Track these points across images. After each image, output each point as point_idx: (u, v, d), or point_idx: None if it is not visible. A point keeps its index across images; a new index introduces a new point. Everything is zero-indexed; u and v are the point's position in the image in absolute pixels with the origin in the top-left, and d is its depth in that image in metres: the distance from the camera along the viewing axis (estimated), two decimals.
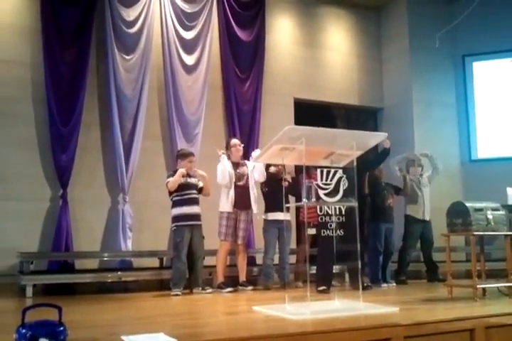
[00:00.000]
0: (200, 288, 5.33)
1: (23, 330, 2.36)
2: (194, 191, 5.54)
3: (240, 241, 5.70)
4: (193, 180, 5.59)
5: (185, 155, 5.66)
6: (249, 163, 5.87)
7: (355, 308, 3.53)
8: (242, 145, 5.96)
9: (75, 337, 2.47)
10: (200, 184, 5.64)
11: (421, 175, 6.78)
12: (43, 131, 6.50)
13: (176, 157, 5.82)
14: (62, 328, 2.42)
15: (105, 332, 3.02)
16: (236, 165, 5.83)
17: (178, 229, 5.37)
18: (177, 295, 5.09)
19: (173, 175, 5.51)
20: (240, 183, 5.75)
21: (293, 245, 6.23)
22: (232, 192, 5.68)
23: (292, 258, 6.17)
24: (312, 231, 5.57)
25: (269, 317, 3.43)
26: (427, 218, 6.57)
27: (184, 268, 5.30)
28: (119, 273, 5.73)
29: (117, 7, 7.00)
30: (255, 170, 5.77)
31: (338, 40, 9.03)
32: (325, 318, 3.24)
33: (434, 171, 6.80)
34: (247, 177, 5.79)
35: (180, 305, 4.57)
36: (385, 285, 5.97)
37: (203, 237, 5.51)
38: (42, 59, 6.51)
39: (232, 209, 5.67)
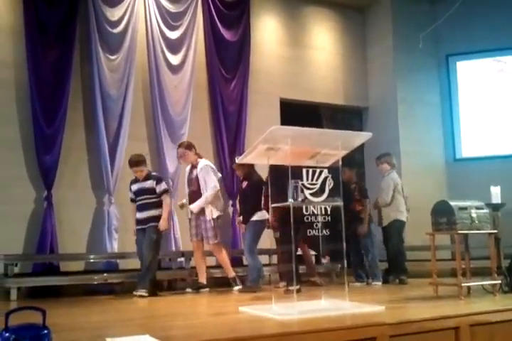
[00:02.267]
0: (145, 291, 5.17)
1: (7, 334, 2.33)
2: (146, 196, 5.49)
3: (210, 242, 5.61)
4: (146, 184, 5.51)
5: (130, 166, 5.58)
6: (200, 165, 5.71)
7: (341, 308, 3.54)
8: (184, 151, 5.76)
9: (59, 340, 2.44)
10: (162, 187, 5.50)
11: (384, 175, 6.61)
12: (27, 131, 6.42)
13: None
14: (46, 331, 2.39)
15: (90, 334, 2.99)
16: (189, 171, 5.84)
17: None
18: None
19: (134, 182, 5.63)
20: (191, 188, 5.74)
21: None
22: (186, 198, 5.81)
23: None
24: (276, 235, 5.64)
25: (255, 318, 3.42)
26: (384, 223, 6.46)
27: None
28: (104, 274, 5.70)
29: (101, 7, 6.94)
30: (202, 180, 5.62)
31: (323, 39, 9.06)
32: (311, 318, 3.24)
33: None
34: (194, 182, 5.68)
35: (167, 307, 4.55)
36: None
37: (153, 237, 5.37)
38: (25, 59, 6.43)
39: (190, 215, 5.75)
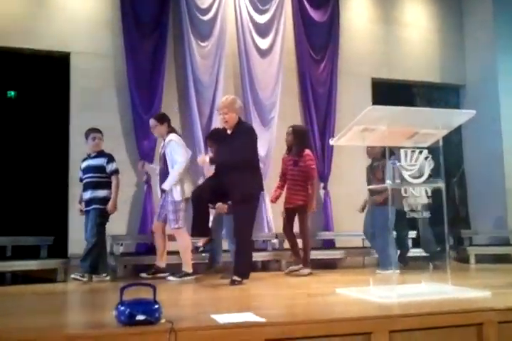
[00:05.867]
0: (79, 274, 4.83)
1: (122, 308, 2.50)
2: (93, 174, 5.04)
3: (171, 226, 5.08)
4: (97, 161, 5.08)
5: (87, 134, 5.17)
6: (166, 140, 5.19)
7: (443, 292, 3.44)
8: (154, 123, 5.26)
9: (167, 314, 2.57)
10: (114, 166, 5.07)
11: None
12: (127, 119, 6.77)
13: None
14: (157, 306, 2.54)
15: (196, 310, 3.13)
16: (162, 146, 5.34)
17: None
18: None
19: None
20: (160, 165, 5.28)
21: None
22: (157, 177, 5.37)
23: None
24: None
25: (354, 300, 3.41)
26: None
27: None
28: (203, 255, 5.86)
29: None
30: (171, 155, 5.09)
31: (416, 14, 8.68)
32: (412, 302, 3.17)
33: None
34: (162, 159, 5.22)
35: (263, 287, 4.62)
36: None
37: (96, 221, 4.97)
38: (123, 49, 6.76)
39: (159, 195, 5.30)
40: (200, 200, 4.56)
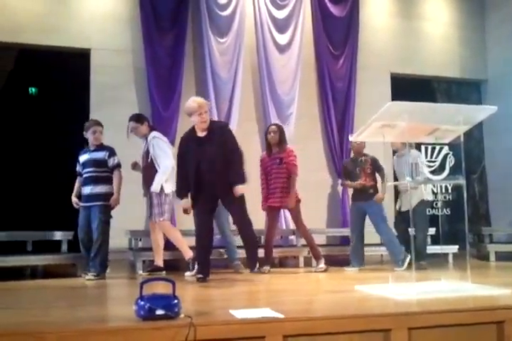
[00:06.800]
0: (93, 274, 4.78)
1: (142, 302, 2.52)
2: (95, 168, 4.93)
3: (155, 219, 5.01)
4: (98, 155, 4.95)
5: (87, 127, 5.02)
6: (149, 138, 5.12)
7: (463, 289, 3.40)
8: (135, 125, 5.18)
9: (186, 309, 2.59)
10: (116, 160, 4.97)
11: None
12: (146, 115, 6.70)
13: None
14: (176, 301, 2.56)
15: (214, 306, 3.14)
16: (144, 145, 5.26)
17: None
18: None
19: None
20: (143, 164, 5.21)
21: None
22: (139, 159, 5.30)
23: None
24: None
25: (372, 297, 3.40)
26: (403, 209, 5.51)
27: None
28: (220, 250, 5.88)
29: None
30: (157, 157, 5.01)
31: (437, 9, 8.57)
32: (431, 299, 3.14)
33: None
34: (145, 157, 5.14)
35: (282, 283, 4.63)
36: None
37: (101, 218, 4.87)
38: (142, 46, 6.80)
39: (144, 194, 5.30)
40: (207, 248, 4.56)
